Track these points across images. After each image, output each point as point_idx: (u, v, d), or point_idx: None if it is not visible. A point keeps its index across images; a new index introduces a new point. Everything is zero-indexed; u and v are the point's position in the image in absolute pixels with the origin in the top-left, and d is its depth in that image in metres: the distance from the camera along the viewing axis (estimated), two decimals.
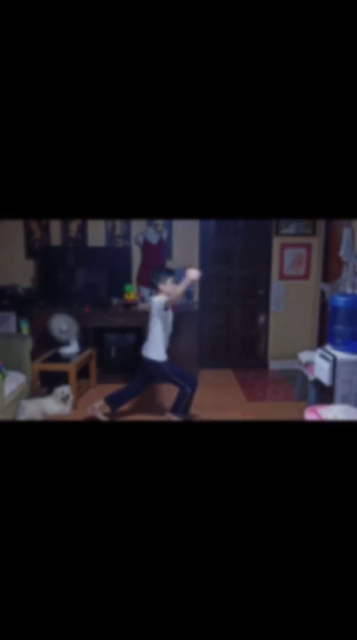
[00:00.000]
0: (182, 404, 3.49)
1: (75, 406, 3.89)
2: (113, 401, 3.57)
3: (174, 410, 3.54)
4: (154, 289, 3.44)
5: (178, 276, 3.61)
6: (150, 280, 3.48)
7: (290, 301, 5.08)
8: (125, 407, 3.81)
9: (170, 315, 3.48)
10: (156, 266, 4.64)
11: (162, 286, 3.38)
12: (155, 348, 3.42)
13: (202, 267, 5.00)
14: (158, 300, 3.37)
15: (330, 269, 4.70)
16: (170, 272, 3.45)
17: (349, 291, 3.91)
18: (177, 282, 3.41)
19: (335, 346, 3.29)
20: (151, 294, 4.73)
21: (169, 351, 3.53)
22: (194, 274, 3.16)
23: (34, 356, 4.05)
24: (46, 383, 4.09)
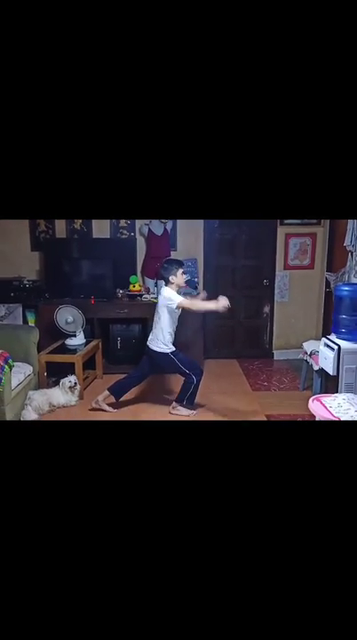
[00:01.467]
0: (188, 393, 3.52)
1: (81, 397, 3.93)
2: (116, 390, 3.61)
3: (179, 400, 3.57)
4: (165, 281, 3.44)
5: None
6: (160, 272, 3.49)
7: (295, 291, 5.07)
8: (131, 397, 3.85)
9: (178, 309, 3.47)
10: (165, 258, 4.65)
11: (172, 278, 3.38)
12: (163, 340, 3.44)
13: (207, 257, 5.01)
14: (170, 299, 3.34)
15: (335, 259, 4.69)
16: (180, 263, 3.44)
17: (354, 280, 3.91)
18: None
19: (339, 335, 3.29)
20: (156, 285, 4.76)
21: (174, 341, 3.55)
22: (222, 304, 3.21)
23: (40, 347, 4.09)
24: (53, 374, 4.13)
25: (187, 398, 3.53)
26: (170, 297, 3.35)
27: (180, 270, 3.39)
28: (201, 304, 3.39)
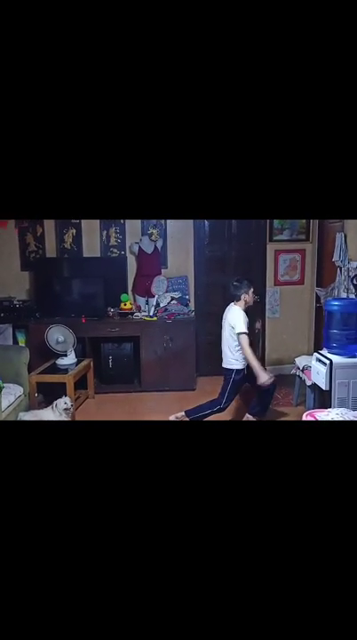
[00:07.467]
0: (200, 414, 3.53)
1: (73, 417, 3.88)
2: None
3: (188, 414, 3.57)
4: (235, 299, 3.53)
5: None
6: (231, 291, 3.57)
7: (286, 307, 5.09)
8: (133, 414, 3.80)
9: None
10: (155, 276, 4.67)
11: (244, 296, 3.50)
12: (232, 356, 3.49)
13: (197, 274, 5.02)
14: (235, 324, 3.40)
15: (324, 274, 4.72)
16: (251, 282, 3.58)
17: (343, 295, 3.94)
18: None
19: (331, 350, 3.30)
20: (147, 303, 4.75)
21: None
22: (267, 379, 3.40)
23: (31, 367, 4.04)
24: (43, 395, 4.07)
25: (194, 416, 3.53)
26: (235, 323, 3.42)
27: (251, 289, 3.53)
28: (253, 358, 3.41)
